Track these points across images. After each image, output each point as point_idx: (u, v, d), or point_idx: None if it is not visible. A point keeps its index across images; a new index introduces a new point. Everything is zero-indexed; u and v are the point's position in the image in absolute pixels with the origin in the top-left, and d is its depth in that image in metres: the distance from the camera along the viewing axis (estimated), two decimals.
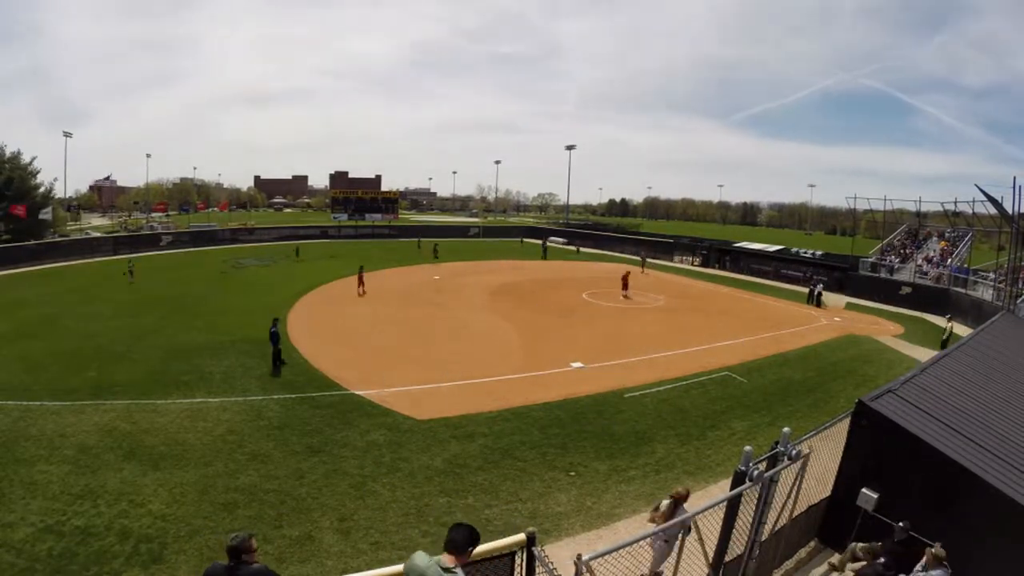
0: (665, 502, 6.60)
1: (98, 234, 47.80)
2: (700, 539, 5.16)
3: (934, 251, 35.26)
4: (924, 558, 5.95)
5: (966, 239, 35.04)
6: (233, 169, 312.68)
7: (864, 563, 6.61)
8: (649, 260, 41.01)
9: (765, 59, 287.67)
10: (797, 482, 6.44)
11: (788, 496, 6.31)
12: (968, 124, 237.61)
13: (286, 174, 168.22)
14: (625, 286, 28.92)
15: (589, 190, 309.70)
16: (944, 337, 20.79)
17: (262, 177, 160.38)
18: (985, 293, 26.80)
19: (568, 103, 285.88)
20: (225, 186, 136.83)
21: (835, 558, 7.36)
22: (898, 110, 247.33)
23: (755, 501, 5.98)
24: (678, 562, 5.11)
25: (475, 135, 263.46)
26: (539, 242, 60.72)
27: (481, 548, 3.91)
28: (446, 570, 3.51)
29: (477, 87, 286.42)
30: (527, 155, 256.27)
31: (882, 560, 6.37)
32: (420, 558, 3.62)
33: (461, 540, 3.64)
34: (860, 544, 6.84)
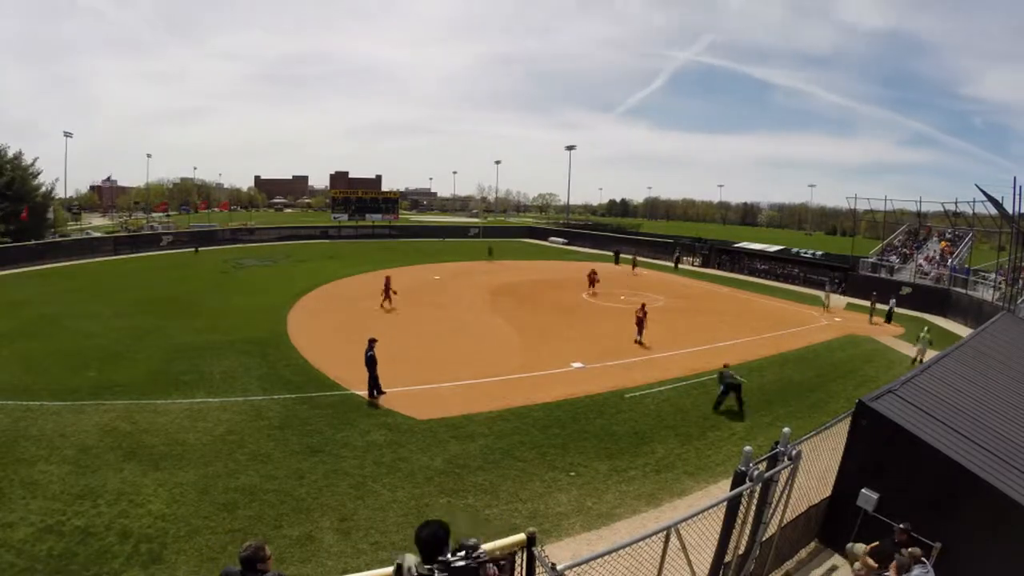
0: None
1: (99, 234, 47.83)
2: (683, 547, 5.12)
3: (934, 251, 35.25)
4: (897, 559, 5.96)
5: (966, 239, 35.04)
6: (233, 168, 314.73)
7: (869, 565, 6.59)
8: (647, 260, 40.98)
9: (567, 44, 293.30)
10: (789, 483, 6.43)
11: (780, 496, 6.30)
12: (852, 100, 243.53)
13: (282, 174, 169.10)
14: (592, 283, 29.77)
15: (589, 190, 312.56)
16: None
17: (262, 177, 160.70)
18: (985, 293, 26.80)
19: (430, 106, 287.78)
20: (225, 186, 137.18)
21: (835, 560, 7.36)
22: (763, 89, 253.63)
23: (755, 502, 5.98)
24: (660, 573, 5.06)
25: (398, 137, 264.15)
26: (541, 242, 60.84)
27: (482, 548, 3.89)
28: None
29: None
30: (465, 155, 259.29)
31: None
32: (411, 559, 3.37)
33: (436, 542, 3.31)
34: (863, 546, 6.83)
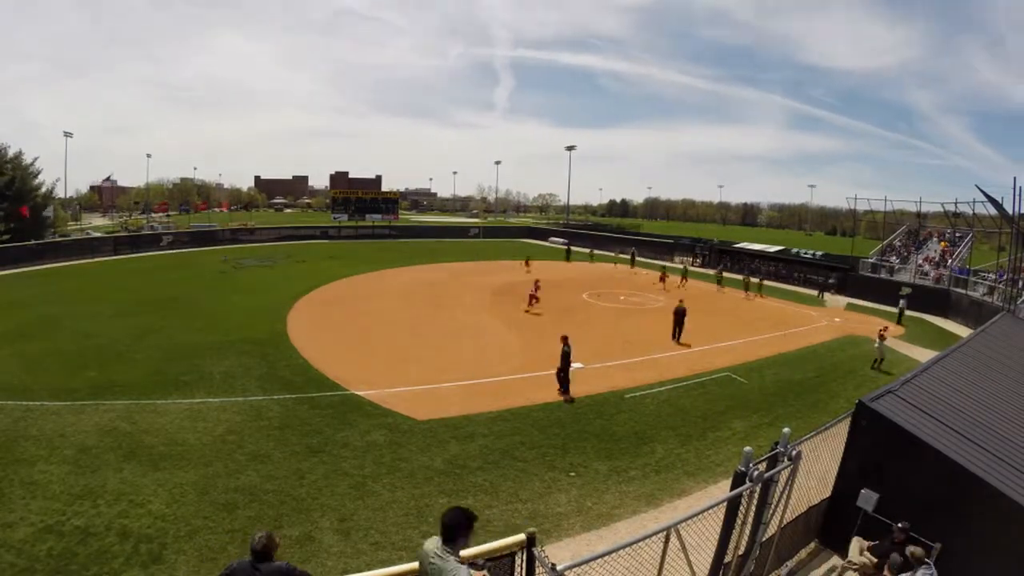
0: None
1: (99, 234, 47.81)
2: (683, 547, 5.12)
3: (934, 252, 35.26)
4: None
5: (966, 240, 35.05)
6: (233, 168, 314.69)
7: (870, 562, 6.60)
8: (647, 261, 40.85)
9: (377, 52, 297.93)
10: (789, 483, 6.43)
11: (780, 496, 6.31)
12: (711, 83, 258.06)
13: (282, 174, 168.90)
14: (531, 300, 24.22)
15: (589, 191, 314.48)
16: None
17: (262, 177, 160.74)
18: (985, 293, 26.80)
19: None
20: (225, 186, 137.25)
21: (835, 560, 7.35)
22: (602, 78, 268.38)
23: (755, 502, 5.98)
24: (660, 573, 5.06)
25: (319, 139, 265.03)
26: (541, 243, 60.77)
27: (481, 548, 3.91)
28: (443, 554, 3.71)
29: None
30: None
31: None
32: (431, 542, 3.87)
33: (455, 526, 3.83)
34: (864, 542, 6.84)
